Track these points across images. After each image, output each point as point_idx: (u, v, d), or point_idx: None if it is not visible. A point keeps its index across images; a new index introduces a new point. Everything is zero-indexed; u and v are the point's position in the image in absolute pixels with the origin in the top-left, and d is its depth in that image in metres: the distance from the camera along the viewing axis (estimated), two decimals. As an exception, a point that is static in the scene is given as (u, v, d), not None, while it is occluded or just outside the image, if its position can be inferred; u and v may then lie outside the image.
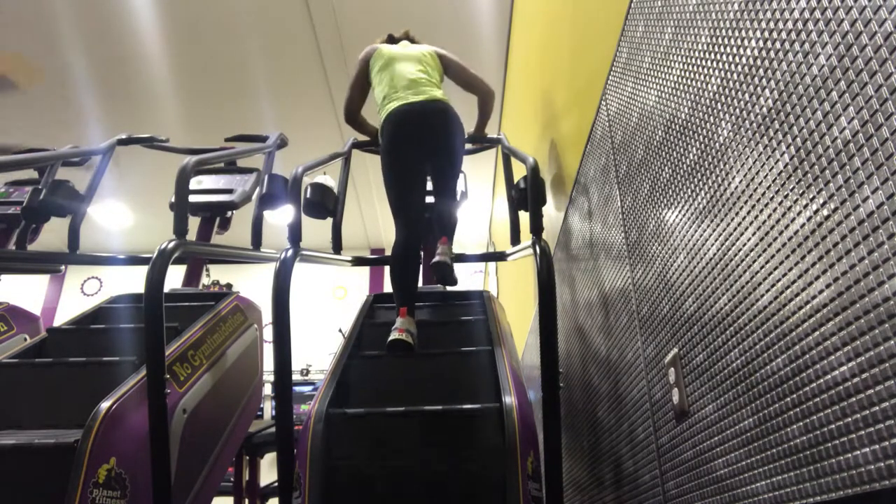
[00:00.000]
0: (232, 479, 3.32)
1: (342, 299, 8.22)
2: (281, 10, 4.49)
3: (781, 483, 0.83)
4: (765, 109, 0.88)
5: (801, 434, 0.78)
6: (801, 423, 0.79)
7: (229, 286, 7.58)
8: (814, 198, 0.77)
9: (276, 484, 2.08)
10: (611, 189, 1.72)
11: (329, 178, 2.82)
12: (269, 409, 6.12)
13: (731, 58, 0.99)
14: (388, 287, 2.36)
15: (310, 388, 6.91)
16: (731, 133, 0.99)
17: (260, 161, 3.14)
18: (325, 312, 7.64)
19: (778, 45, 0.85)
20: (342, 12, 4.49)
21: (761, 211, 0.89)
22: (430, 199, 2.57)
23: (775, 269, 0.86)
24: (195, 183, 3.03)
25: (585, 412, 2.07)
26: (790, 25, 0.82)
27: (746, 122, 0.94)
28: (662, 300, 1.31)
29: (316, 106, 5.47)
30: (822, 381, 0.74)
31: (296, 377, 5.22)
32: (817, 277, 0.76)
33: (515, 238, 2.70)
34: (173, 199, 2.11)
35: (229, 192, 3.05)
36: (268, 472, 3.34)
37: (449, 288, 2.52)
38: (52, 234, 3.22)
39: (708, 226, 1.08)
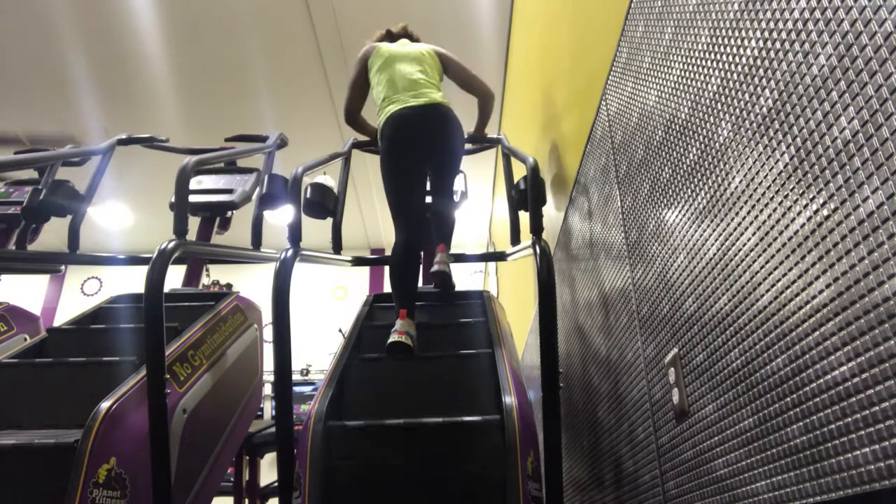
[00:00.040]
0: (232, 479, 3.32)
1: (342, 299, 8.22)
2: (281, 10, 4.49)
3: (781, 483, 0.83)
4: (765, 109, 0.88)
5: (801, 434, 0.78)
6: (801, 423, 0.79)
7: (229, 286, 7.58)
8: (814, 198, 0.77)
9: (276, 484, 2.08)
10: (611, 189, 1.72)
11: (329, 178, 2.82)
12: (269, 409, 6.12)
13: (731, 58, 0.99)
14: (388, 287, 2.36)
15: (310, 388, 6.92)
16: (731, 133, 0.99)
17: (260, 161, 3.14)
18: (325, 312, 7.64)
19: (778, 45, 0.85)
20: (342, 12, 4.49)
21: (761, 211, 0.89)
22: (428, 199, 2.58)
23: (775, 269, 0.86)
24: (195, 183, 3.03)
25: (585, 412, 2.07)
26: (790, 25, 0.82)
27: (746, 122, 0.94)
28: (662, 300, 1.31)
29: (316, 106, 5.48)
30: (822, 381, 0.74)
31: (296, 377, 5.21)
32: (817, 277, 0.76)
33: (515, 238, 2.70)
34: (173, 199, 2.11)
35: (229, 192, 3.05)
36: (268, 472, 3.34)
37: (448, 289, 2.52)
38: (52, 234, 3.22)
39: (708, 226, 1.08)
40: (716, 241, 1.05)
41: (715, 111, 1.05)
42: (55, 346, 2.29)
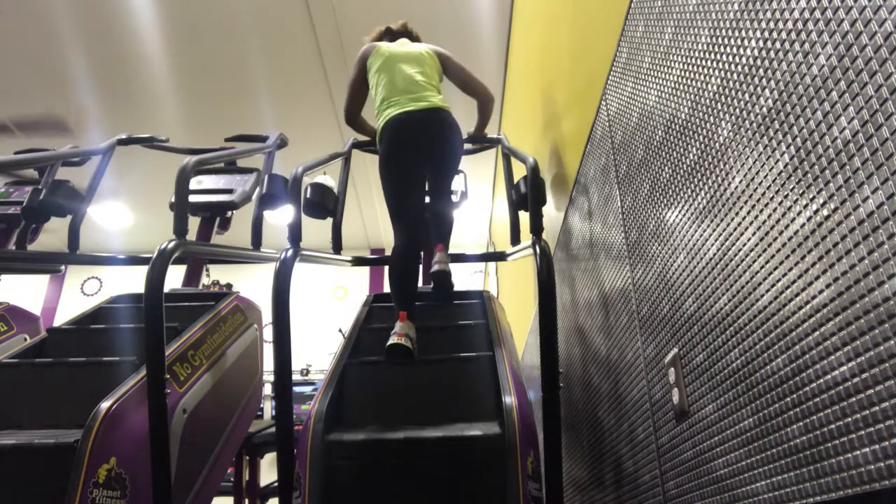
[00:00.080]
0: (232, 479, 3.32)
1: (342, 299, 8.22)
2: (281, 10, 4.49)
3: (781, 483, 0.83)
4: (765, 109, 0.88)
5: (801, 434, 0.78)
6: (801, 423, 0.79)
7: (229, 286, 7.58)
8: (814, 198, 0.77)
9: (276, 484, 2.08)
10: (611, 189, 1.72)
11: (329, 178, 2.82)
12: (269, 409, 6.12)
13: (731, 58, 0.99)
14: (388, 287, 2.36)
15: (310, 388, 6.92)
16: (731, 133, 0.99)
17: (260, 161, 3.14)
18: (325, 312, 7.65)
19: (778, 45, 0.85)
20: (342, 12, 4.49)
21: (761, 211, 0.89)
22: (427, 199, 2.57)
23: (775, 269, 0.86)
24: (195, 183, 3.03)
25: (585, 412, 2.07)
26: (790, 25, 0.82)
27: (746, 122, 0.94)
28: (662, 300, 1.31)
29: (316, 106, 5.47)
30: (822, 381, 0.74)
31: (296, 377, 5.21)
32: (817, 277, 0.76)
33: (515, 238, 2.70)
34: (173, 199, 2.11)
35: (229, 192, 3.05)
36: (268, 472, 3.34)
37: (448, 289, 2.51)
38: (52, 234, 3.22)
39: (708, 226, 1.08)
40: (716, 241, 1.05)
41: (715, 111, 1.05)
42: (55, 346, 2.29)
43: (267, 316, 2.20)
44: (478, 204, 6.96)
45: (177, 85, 5.22)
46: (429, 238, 2.56)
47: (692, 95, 1.14)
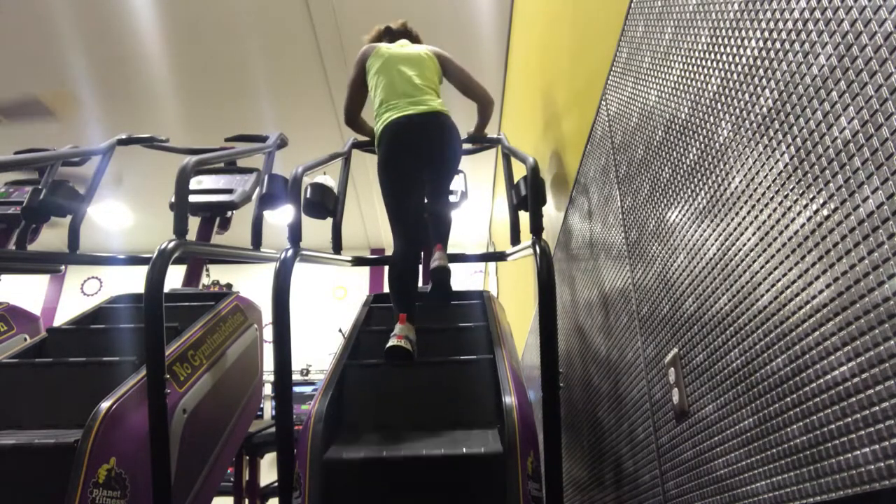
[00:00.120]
0: (232, 479, 3.32)
1: (342, 299, 8.22)
2: (281, 10, 4.49)
3: (781, 483, 0.83)
4: (765, 109, 0.88)
5: (801, 434, 0.78)
6: (801, 423, 0.79)
7: (229, 286, 7.58)
8: (814, 198, 0.77)
9: (276, 484, 2.08)
10: (611, 189, 1.72)
11: (329, 178, 2.82)
12: (269, 409, 6.12)
13: (731, 58, 0.99)
14: (388, 288, 2.36)
15: (310, 388, 6.91)
16: (731, 133, 0.99)
17: (260, 161, 3.14)
18: (325, 312, 7.65)
19: (778, 45, 0.85)
20: (342, 12, 4.49)
21: (761, 211, 0.89)
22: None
23: (775, 269, 0.86)
24: (195, 183, 3.03)
25: (585, 412, 2.07)
26: (790, 25, 0.82)
27: (746, 122, 0.94)
28: (662, 300, 1.31)
29: (316, 106, 5.47)
30: (822, 381, 0.74)
31: (296, 377, 5.21)
32: (817, 277, 0.76)
33: (515, 238, 2.70)
34: (173, 199, 2.11)
35: (229, 192, 3.05)
36: (268, 472, 3.34)
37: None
38: (52, 235, 3.22)
39: (708, 226, 1.08)
40: (716, 241, 1.05)
41: (715, 111, 1.05)
42: (55, 346, 2.29)
43: (267, 316, 2.20)
44: (478, 204, 6.95)
45: (177, 85, 5.22)
46: (428, 239, 2.55)
47: (692, 95, 1.14)
